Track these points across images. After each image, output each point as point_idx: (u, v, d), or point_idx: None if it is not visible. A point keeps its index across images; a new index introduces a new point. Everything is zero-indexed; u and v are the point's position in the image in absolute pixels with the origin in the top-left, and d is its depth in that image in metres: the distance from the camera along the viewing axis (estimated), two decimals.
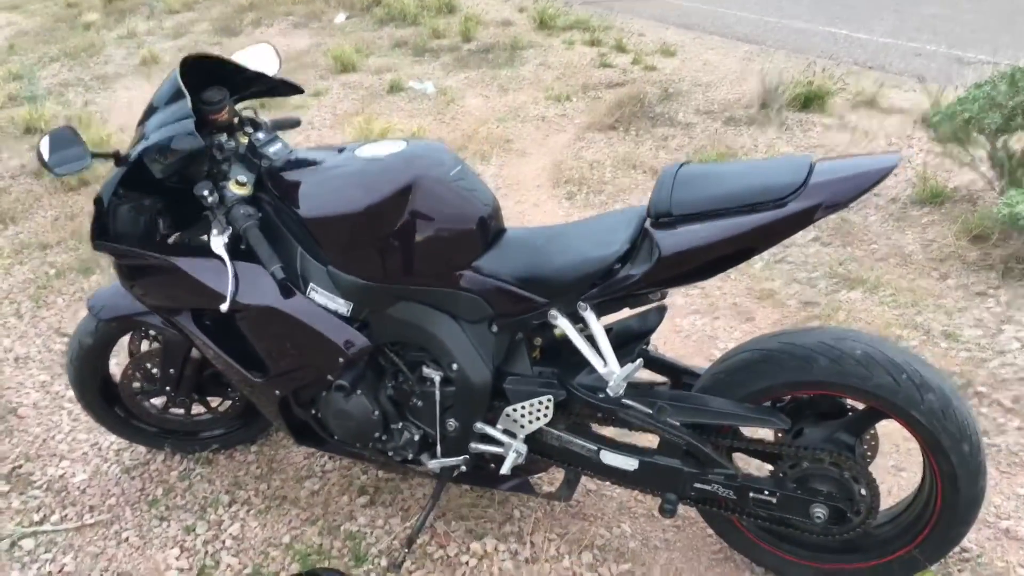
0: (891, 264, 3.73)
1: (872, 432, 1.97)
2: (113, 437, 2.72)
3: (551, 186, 4.87)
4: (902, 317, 3.28)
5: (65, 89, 7.43)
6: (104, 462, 2.65)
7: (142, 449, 2.68)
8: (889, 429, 2.33)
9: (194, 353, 2.38)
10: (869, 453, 1.99)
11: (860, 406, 1.90)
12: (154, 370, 2.44)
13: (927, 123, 5.33)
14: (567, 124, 6.03)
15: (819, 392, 1.86)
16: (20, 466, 2.65)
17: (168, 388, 2.43)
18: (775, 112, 5.80)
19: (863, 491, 1.87)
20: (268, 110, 6.40)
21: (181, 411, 2.54)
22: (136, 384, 2.47)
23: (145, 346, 2.49)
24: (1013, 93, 3.92)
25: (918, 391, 1.75)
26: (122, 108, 6.76)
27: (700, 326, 3.31)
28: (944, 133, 4.28)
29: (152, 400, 2.52)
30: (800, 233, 4.02)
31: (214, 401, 2.57)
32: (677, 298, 3.51)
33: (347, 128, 5.89)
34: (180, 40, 9.70)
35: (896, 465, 2.50)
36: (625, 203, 4.55)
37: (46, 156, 1.89)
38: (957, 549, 2.17)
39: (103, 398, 2.50)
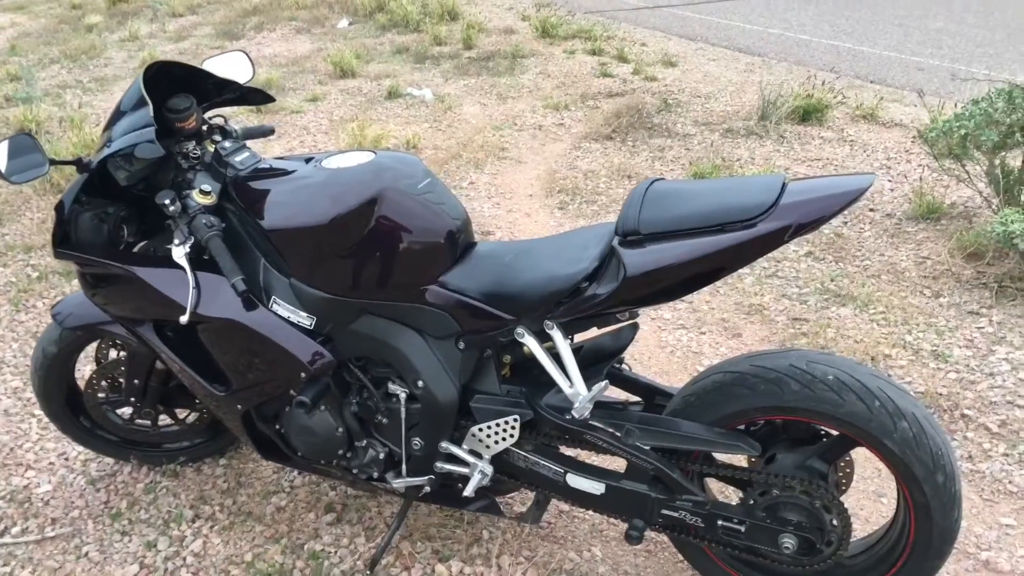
0: (883, 281, 3.67)
1: (847, 459, 1.91)
2: (80, 447, 2.67)
3: (544, 195, 4.82)
4: (892, 335, 3.22)
5: (63, 91, 7.40)
6: (70, 472, 2.60)
7: (109, 460, 2.63)
8: (870, 454, 2.28)
9: (159, 364, 2.34)
10: (844, 480, 1.93)
11: (834, 432, 1.84)
12: (120, 380, 2.39)
13: (923, 138, 5.29)
14: (564, 133, 5.99)
15: (790, 418, 1.80)
16: None
17: (133, 399, 2.38)
18: (773, 125, 5.75)
19: (834, 521, 1.80)
20: (263, 116, 6.38)
21: (147, 422, 2.49)
22: (101, 394, 2.42)
23: (113, 355, 2.45)
24: (1010, 110, 3.86)
25: (891, 419, 1.69)
26: None
27: (686, 341, 3.26)
28: (941, 149, 4.23)
29: (118, 411, 2.47)
30: (792, 247, 4.00)
31: (181, 412, 2.52)
32: (664, 312, 3.46)
33: (341, 134, 5.85)
34: (182, 43, 9.69)
35: (876, 491, 2.44)
36: (618, 214, 4.49)
37: (2, 165, 1.85)
38: None
39: (68, 408, 2.45)
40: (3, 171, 1.85)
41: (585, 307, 1.76)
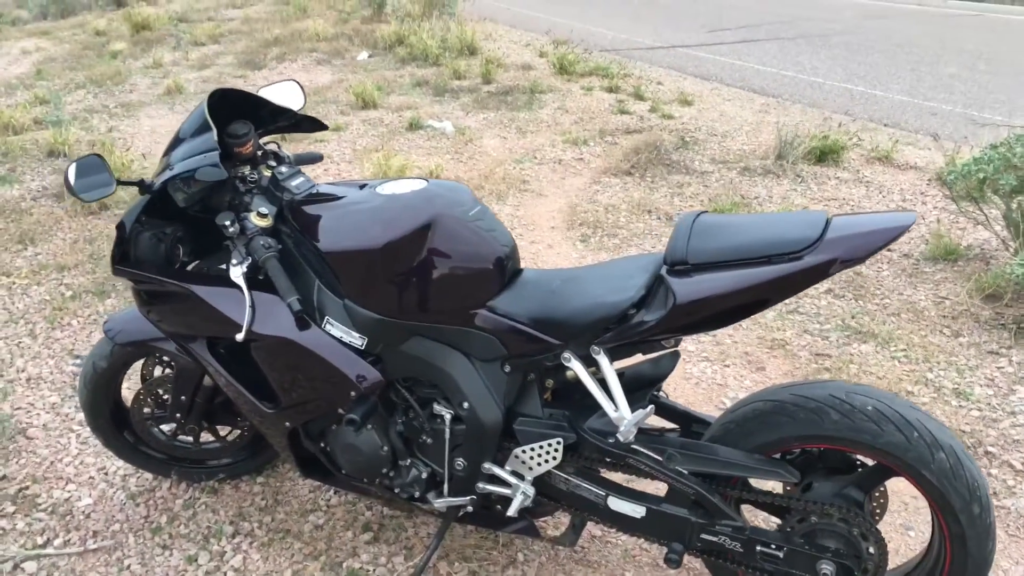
0: (903, 319, 3.73)
1: (881, 489, 1.96)
2: (120, 462, 2.72)
3: (566, 228, 4.90)
4: (913, 373, 3.27)
5: (90, 115, 7.53)
6: (110, 487, 2.65)
7: (148, 475, 2.68)
8: (898, 487, 2.32)
9: (206, 381, 2.40)
10: (878, 510, 1.98)
11: (870, 462, 1.89)
12: (165, 396, 2.45)
13: (941, 181, 5.37)
14: (583, 168, 6.08)
15: (830, 447, 1.85)
16: (27, 487, 2.65)
17: (179, 415, 2.43)
18: (790, 164, 5.85)
19: (871, 549, 1.85)
20: (288, 143, 6.48)
21: (190, 439, 2.55)
22: (147, 409, 2.48)
23: (158, 372, 2.51)
24: (1018, 156, 3.94)
25: (929, 450, 1.74)
26: (145, 135, 6.87)
27: (710, 374, 3.31)
28: (959, 191, 4.31)
29: (162, 426, 2.53)
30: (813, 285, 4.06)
31: (223, 430, 2.58)
32: (688, 344, 3.51)
33: (366, 163, 5.96)
34: (205, 71, 9.85)
35: (904, 524, 2.47)
36: (639, 247, 4.57)
37: (72, 182, 1.92)
38: None
39: (113, 423, 2.51)
40: (74, 188, 1.92)
41: (633, 333, 1.82)
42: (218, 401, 2.46)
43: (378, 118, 7.46)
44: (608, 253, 4.52)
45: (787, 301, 3.87)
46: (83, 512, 2.54)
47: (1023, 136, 4.02)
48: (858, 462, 1.93)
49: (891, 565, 2.01)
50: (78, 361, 3.33)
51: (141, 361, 2.51)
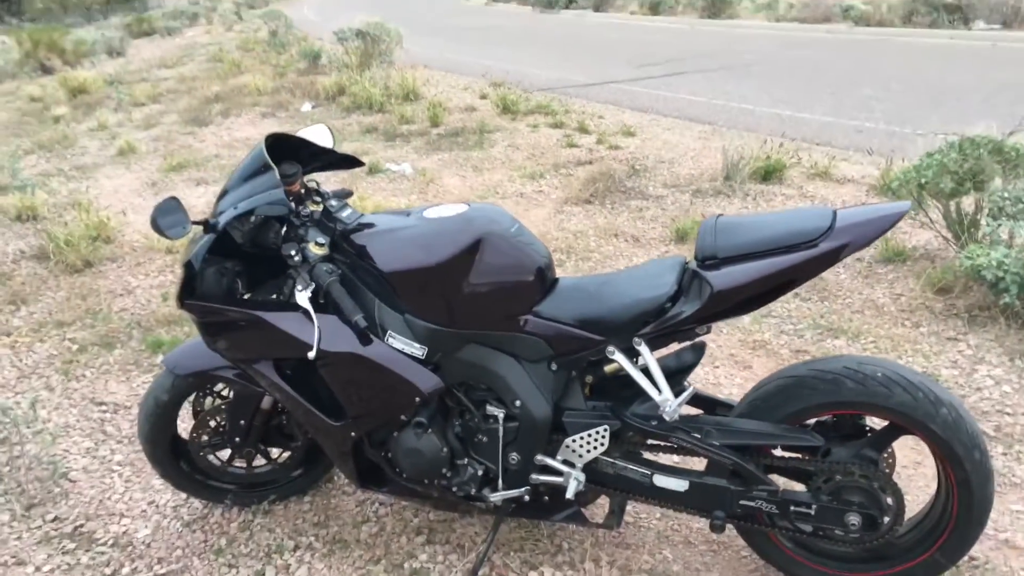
0: (867, 315, 4.06)
1: (890, 451, 2.23)
2: (169, 495, 2.84)
3: None
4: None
5: (47, 179, 7.53)
6: (164, 518, 2.76)
7: (197, 504, 2.80)
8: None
9: (263, 405, 2.56)
10: (887, 469, 2.24)
11: (880, 424, 2.16)
12: (222, 424, 2.60)
13: (878, 190, 5.81)
14: (544, 199, 6.37)
15: (848, 412, 2.12)
16: (82, 525, 2.74)
17: (237, 439, 2.58)
18: (738, 184, 6.23)
19: (890, 500, 2.11)
20: None
21: (243, 463, 2.69)
22: (205, 437, 2.62)
23: (208, 403, 2.66)
24: (963, 160, 4.36)
25: (933, 407, 2.02)
26: (109, 195, 6.92)
27: (703, 375, 3.58)
28: (902, 197, 4.70)
29: (218, 453, 2.67)
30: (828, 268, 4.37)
31: (274, 453, 2.73)
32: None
33: None
34: (152, 131, 9.91)
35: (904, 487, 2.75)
36: (615, 267, 4.84)
37: (159, 221, 2.09)
38: (966, 558, 2.41)
39: (171, 453, 2.64)
40: (160, 226, 2.08)
41: (671, 324, 2.07)
42: (273, 423, 2.62)
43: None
44: (587, 274, 4.77)
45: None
46: (143, 542, 2.65)
47: (956, 143, 4.44)
48: (867, 427, 2.20)
49: (907, 520, 2.27)
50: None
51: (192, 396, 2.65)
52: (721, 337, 3.92)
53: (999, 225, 4.15)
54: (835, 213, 1.99)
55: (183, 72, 15.26)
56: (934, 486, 2.28)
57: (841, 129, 8.32)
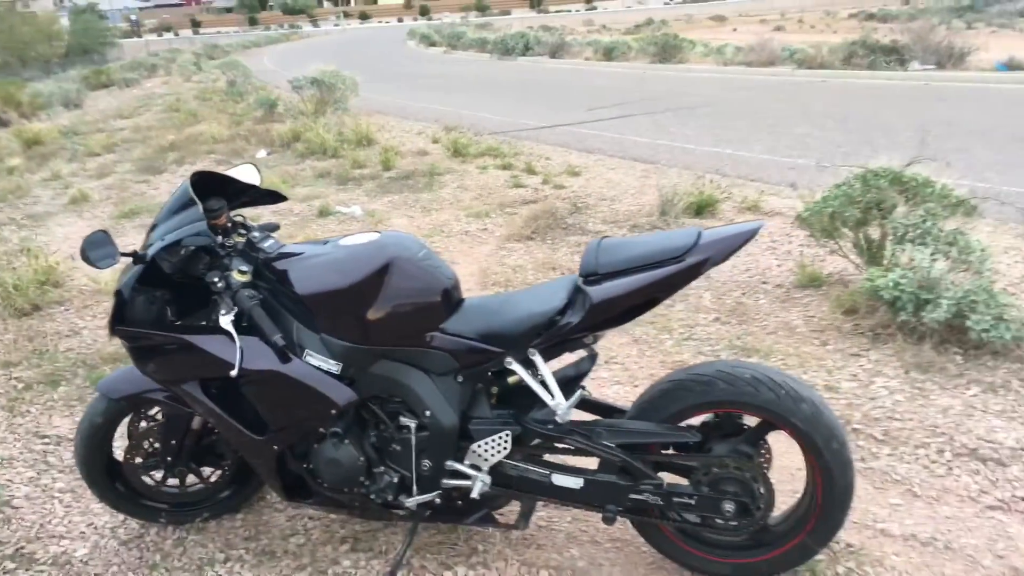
0: (780, 336, 4.33)
1: (766, 446, 2.46)
2: (108, 517, 2.98)
3: (480, 288, 5.38)
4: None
5: None
6: (102, 538, 2.90)
7: (135, 524, 2.95)
8: (784, 463, 2.81)
9: (193, 425, 2.73)
10: (765, 463, 2.47)
11: (754, 422, 2.40)
12: (156, 445, 2.77)
13: (803, 220, 6.13)
14: (488, 237, 6.62)
15: (724, 411, 2.36)
16: (23, 547, 2.87)
17: (169, 458, 2.75)
18: (673, 218, 6.53)
19: (761, 489, 2.34)
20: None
21: (176, 482, 2.85)
22: (140, 459, 2.78)
23: (143, 425, 2.82)
24: (866, 191, 4.68)
25: (795, 402, 2.26)
26: (60, 241, 7.06)
27: (624, 394, 3.80)
28: (816, 227, 5.01)
29: (152, 473, 2.83)
30: (702, 315, 4.65)
31: (206, 471, 2.90)
32: (601, 371, 4.01)
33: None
34: (106, 179, 10.07)
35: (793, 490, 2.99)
36: None
37: (88, 253, 2.29)
38: (843, 544, 2.65)
39: (106, 475, 2.80)
40: (90, 258, 2.28)
41: (560, 334, 2.30)
42: (204, 443, 2.79)
43: (287, 208, 7.84)
44: None
45: (681, 330, 4.44)
46: (81, 560, 2.79)
47: (860, 175, 4.77)
48: (744, 425, 2.44)
49: (778, 509, 2.50)
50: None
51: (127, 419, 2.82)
52: (644, 359, 4.16)
53: (902, 250, 4.46)
54: (700, 233, 2.24)
55: (139, 122, 15.46)
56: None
57: (776, 166, 8.71)
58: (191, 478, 2.88)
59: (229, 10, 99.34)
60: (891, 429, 3.33)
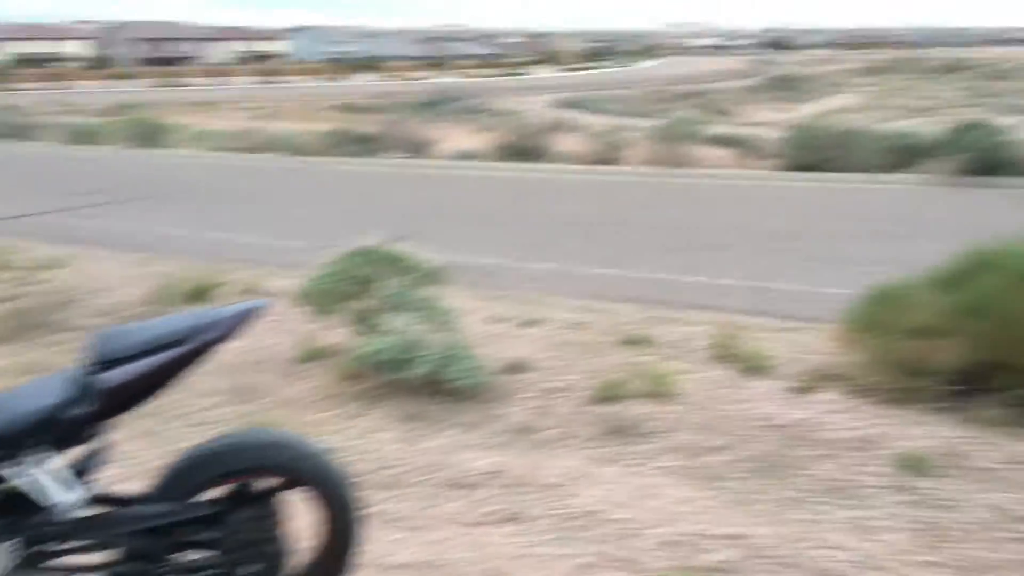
0: (289, 408, 4.58)
1: (283, 505, 2.64)
2: None
3: None
4: None
5: None
6: None
7: None
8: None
9: None
10: (282, 521, 2.65)
11: (271, 484, 2.57)
12: None
13: (304, 298, 6.53)
14: None
15: (234, 479, 2.50)
16: None
17: None
18: (172, 306, 6.45)
19: (281, 546, 2.52)
20: None
21: None
22: None
23: None
24: (353, 267, 5.22)
25: (303, 460, 2.51)
26: None
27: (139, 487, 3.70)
28: (313, 304, 5.41)
29: None
30: (212, 398, 4.71)
31: None
32: (114, 468, 3.83)
33: None
34: None
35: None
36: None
37: None
38: None
39: None
40: None
41: (62, 431, 2.25)
42: None
43: None
44: None
45: (188, 413, 4.48)
46: None
47: (341, 257, 5.29)
48: (260, 489, 2.61)
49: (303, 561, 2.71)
50: None
51: None
52: (151, 450, 4.06)
53: (390, 318, 5.05)
54: (205, 313, 2.40)
55: None
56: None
57: (280, 249, 9.08)
58: None
59: None
60: (391, 475, 3.76)
